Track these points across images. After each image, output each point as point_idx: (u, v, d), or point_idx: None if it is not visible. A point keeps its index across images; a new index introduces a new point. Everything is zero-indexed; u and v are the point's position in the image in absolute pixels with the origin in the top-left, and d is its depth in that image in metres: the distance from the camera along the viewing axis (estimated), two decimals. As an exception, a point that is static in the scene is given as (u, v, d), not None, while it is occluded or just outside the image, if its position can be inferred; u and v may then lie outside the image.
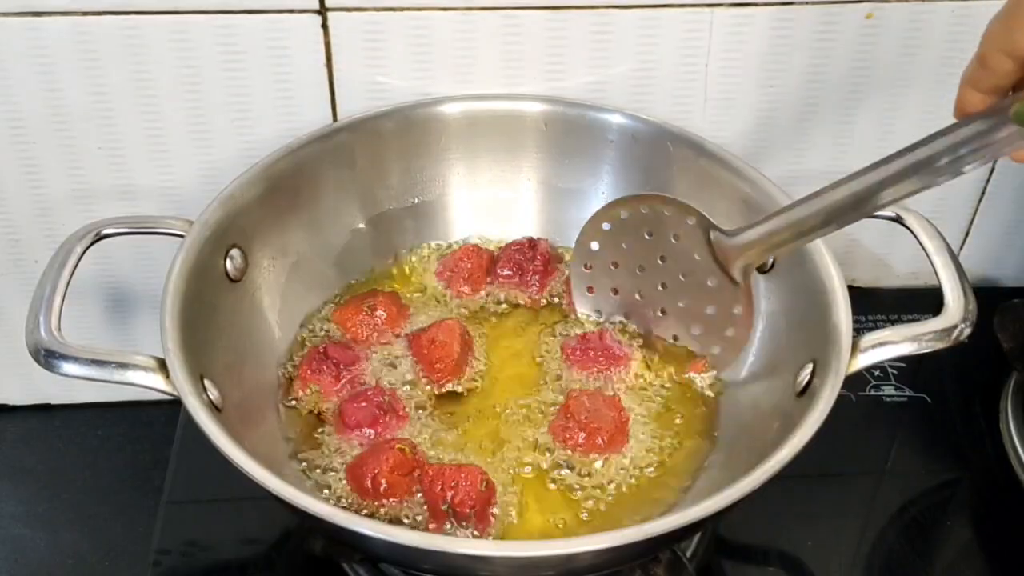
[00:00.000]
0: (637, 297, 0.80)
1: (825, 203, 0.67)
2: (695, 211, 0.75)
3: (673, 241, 0.77)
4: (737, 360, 0.78)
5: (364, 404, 0.74)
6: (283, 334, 0.80)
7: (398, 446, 0.70)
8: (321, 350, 0.77)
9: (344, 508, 0.67)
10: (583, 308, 0.82)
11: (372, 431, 0.73)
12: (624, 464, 0.73)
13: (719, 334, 0.78)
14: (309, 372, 0.76)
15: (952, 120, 0.62)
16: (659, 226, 0.77)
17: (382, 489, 0.69)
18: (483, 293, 0.85)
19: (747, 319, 0.76)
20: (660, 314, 0.80)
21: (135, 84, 0.80)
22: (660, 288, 0.79)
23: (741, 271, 0.74)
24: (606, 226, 0.79)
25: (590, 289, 0.82)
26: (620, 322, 0.82)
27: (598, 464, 0.73)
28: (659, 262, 0.78)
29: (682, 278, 0.78)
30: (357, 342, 0.79)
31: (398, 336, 0.80)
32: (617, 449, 0.73)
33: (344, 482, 0.70)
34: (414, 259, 0.87)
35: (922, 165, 0.61)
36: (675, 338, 0.80)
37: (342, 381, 0.76)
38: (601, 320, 0.82)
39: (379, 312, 0.80)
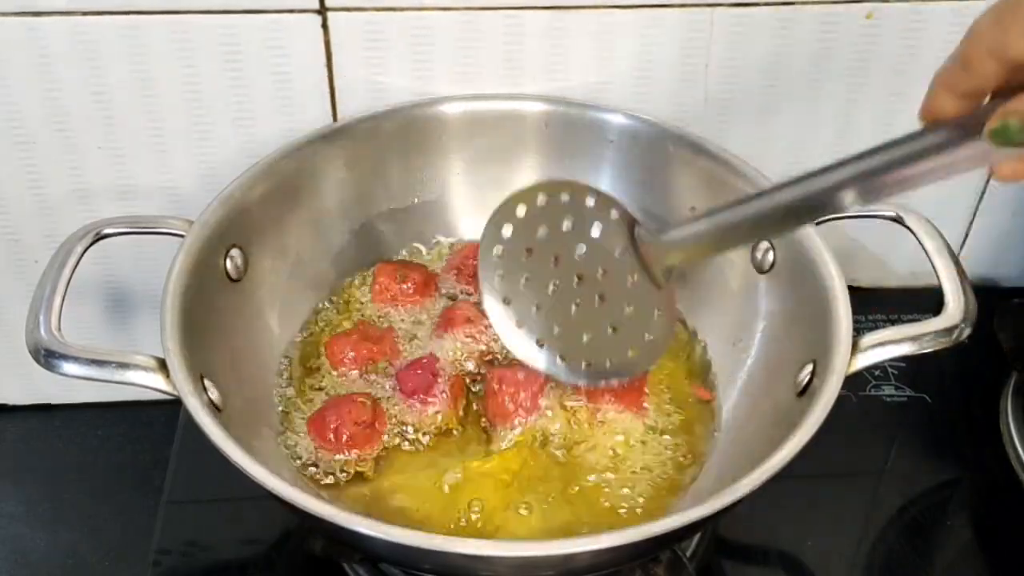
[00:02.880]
0: (550, 290, 0.72)
1: (758, 209, 0.65)
2: (619, 204, 0.72)
3: (594, 234, 0.72)
4: (651, 365, 0.75)
5: (420, 372, 0.75)
6: (283, 334, 0.80)
7: (360, 399, 0.73)
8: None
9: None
10: (490, 296, 0.72)
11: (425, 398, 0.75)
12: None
13: (637, 337, 0.73)
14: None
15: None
16: (580, 217, 0.72)
17: (344, 440, 0.72)
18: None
19: (668, 324, 0.73)
20: (575, 308, 0.72)
21: (135, 84, 0.80)
22: (575, 282, 0.72)
23: (664, 273, 0.72)
24: (520, 210, 0.72)
25: (501, 277, 0.72)
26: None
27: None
28: (577, 255, 0.72)
29: (601, 274, 0.72)
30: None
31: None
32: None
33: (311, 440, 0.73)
34: (414, 259, 0.87)
35: (867, 177, 0.58)
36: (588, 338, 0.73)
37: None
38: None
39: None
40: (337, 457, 0.72)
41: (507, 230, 0.72)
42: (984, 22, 0.50)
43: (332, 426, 0.72)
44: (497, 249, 0.72)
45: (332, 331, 0.81)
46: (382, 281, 0.82)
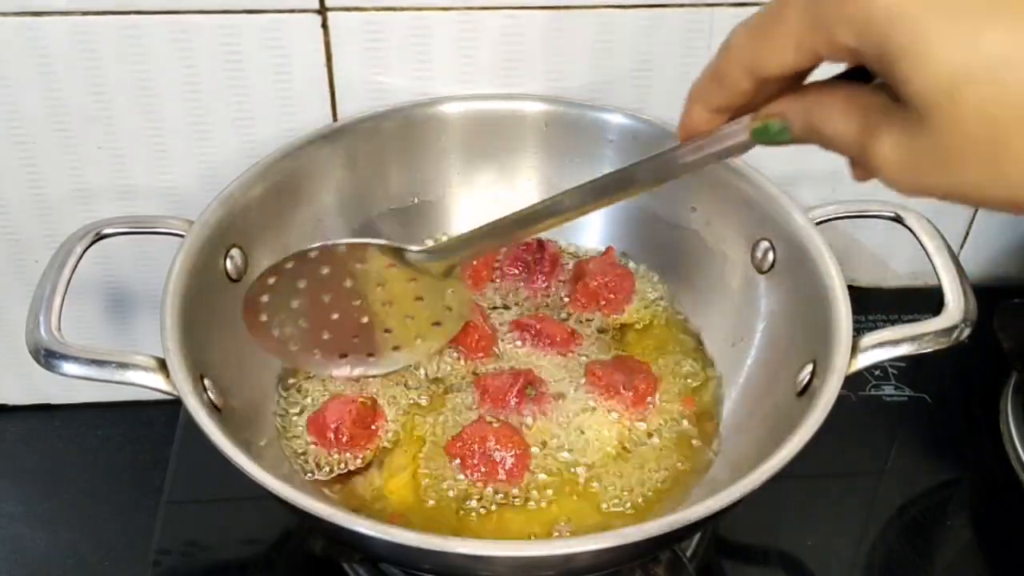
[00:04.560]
0: (334, 316, 0.74)
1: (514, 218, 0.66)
2: (374, 242, 0.73)
3: (356, 268, 0.73)
4: (457, 328, 0.77)
5: None
6: (282, 334, 0.80)
7: (360, 399, 0.74)
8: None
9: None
10: (278, 351, 0.74)
11: None
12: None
13: (437, 313, 0.75)
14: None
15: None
16: (337, 262, 0.72)
17: (344, 439, 0.72)
18: (489, 289, 0.85)
19: (462, 294, 0.76)
20: (364, 320, 0.75)
21: (135, 84, 0.80)
22: (358, 303, 0.74)
23: (444, 272, 0.72)
24: (271, 280, 0.72)
25: (278, 331, 0.74)
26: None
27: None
28: (347, 286, 0.73)
29: (379, 290, 0.74)
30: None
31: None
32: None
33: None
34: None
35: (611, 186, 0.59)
36: (387, 330, 0.76)
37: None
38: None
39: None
40: (335, 456, 0.72)
41: (267, 295, 0.72)
42: (739, 38, 0.48)
43: (332, 426, 0.72)
44: (263, 311, 0.73)
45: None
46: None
